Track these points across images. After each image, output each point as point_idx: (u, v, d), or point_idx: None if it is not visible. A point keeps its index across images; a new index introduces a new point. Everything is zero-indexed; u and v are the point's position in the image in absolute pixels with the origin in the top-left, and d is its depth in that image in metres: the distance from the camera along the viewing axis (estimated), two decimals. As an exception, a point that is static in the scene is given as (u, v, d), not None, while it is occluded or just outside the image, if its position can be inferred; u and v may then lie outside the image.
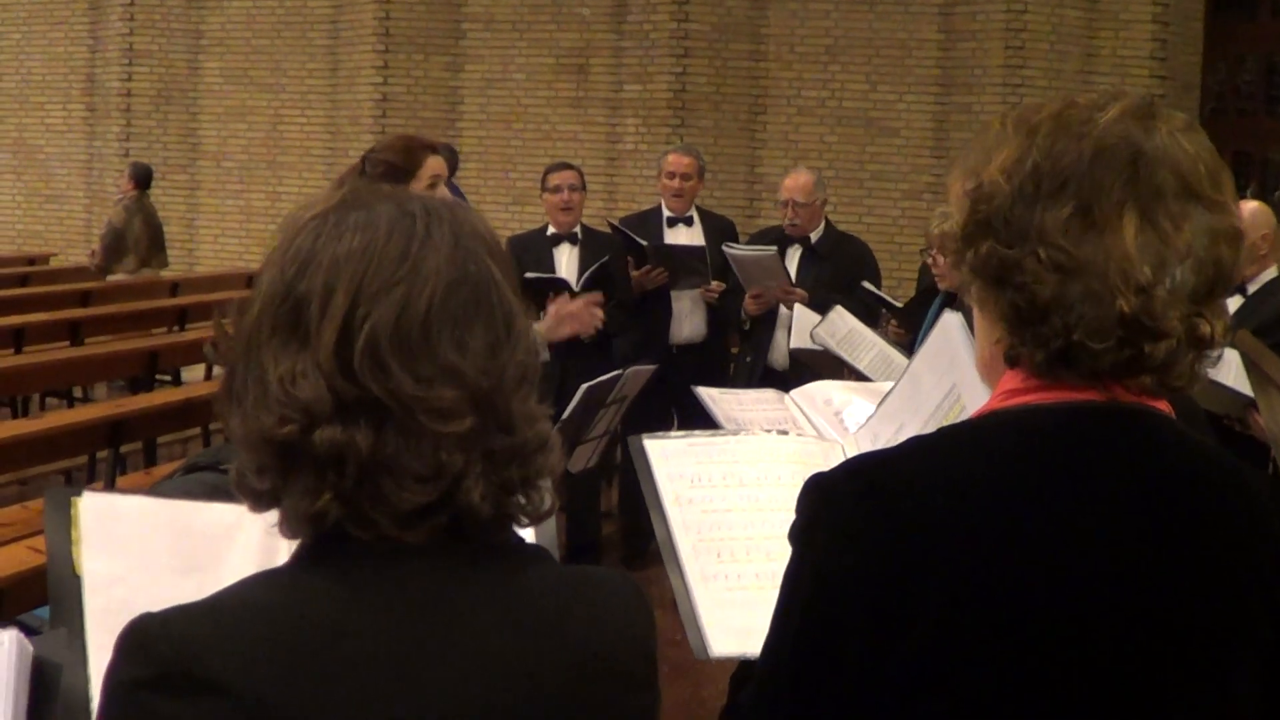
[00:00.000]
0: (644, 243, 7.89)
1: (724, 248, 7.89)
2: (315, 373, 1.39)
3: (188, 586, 2.00)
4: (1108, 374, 1.59)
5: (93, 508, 2.03)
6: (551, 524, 2.03)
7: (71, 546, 1.99)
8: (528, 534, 1.61)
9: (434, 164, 4.11)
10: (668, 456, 2.47)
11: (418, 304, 1.41)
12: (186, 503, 2.16)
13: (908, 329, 6.96)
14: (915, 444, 1.68)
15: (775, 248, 7.80)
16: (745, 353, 8.07)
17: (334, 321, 1.40)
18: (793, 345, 7.14)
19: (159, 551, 2.04)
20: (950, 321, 2.53)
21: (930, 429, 2.31)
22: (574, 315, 5.35)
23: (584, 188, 8.01)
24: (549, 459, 1.50)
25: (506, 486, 1.46)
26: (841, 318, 6.31)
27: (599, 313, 5.60)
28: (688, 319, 8.20)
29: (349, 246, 1.43)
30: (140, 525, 2.06)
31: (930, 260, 6.65)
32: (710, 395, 3.05)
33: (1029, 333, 1.59)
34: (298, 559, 1.47)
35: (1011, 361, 1.64)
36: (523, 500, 1.49)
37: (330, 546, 1.43)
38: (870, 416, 2.63)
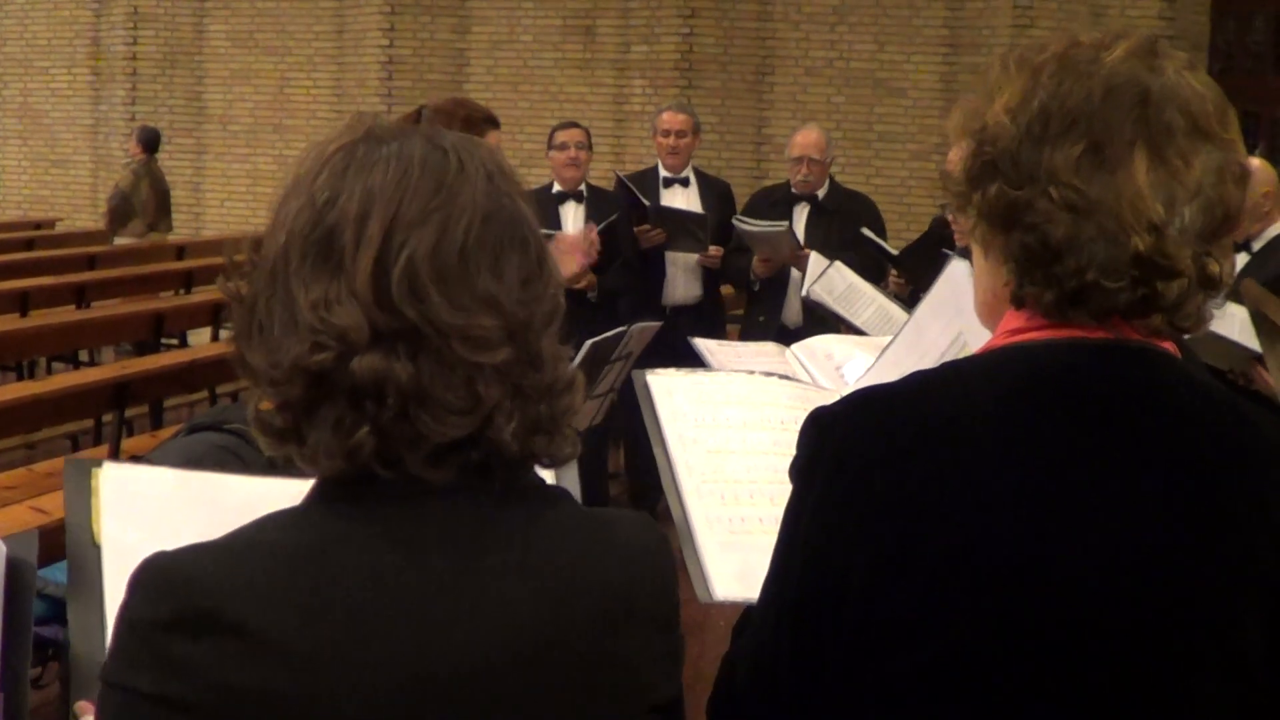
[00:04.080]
0: (647, 203, 7.85)
1: (735, 222, 7.85)
2: (350, 300, 1.36)
3: None
4: (1120, 314, 1.57)
5: (114, 478, 2.00)
6: (574, 470, 2.01)
7: (91, 517, 1.96)
8: (549, 478, 1.59)
9: (494, 139, 4.04)
10: (671, 393, 2.45)
11: (455, 233, 1.39)
12: (212, 475, 2.12)
13: (908, 279, 6.93)
14: (918, 378, 1.66)
15: (786, 224, 7.77)
16: (758, 313, 8.04)
17: (370, 248, 1.37)
18: (804, 293, 7.08)
19: (182, 524, 2.01)
20: (958, 269, 2.51)
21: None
22: (574, 245, 5.20)
23: (590, 147, 7.96)
24: (575, 398, 1.49)
25: (534, 425, 1.44)
26: (840, 273, 6.25)
27: (595, 241, 5.47)
28: (681, 280, 8.14)
29: (382, 176, 1.41)
30: (161, 497, 2.03)
31: (951, 216, 6.61)
32: (708, 347, 3.03)
33: (1040, 273, 1.57)
34: (318, 497, 1.44)
35: (1018, 303, 1.62)
36: (547, 441, 1.46)
37: (351, 486, 1.40)
38: (873, 364, 2.61)
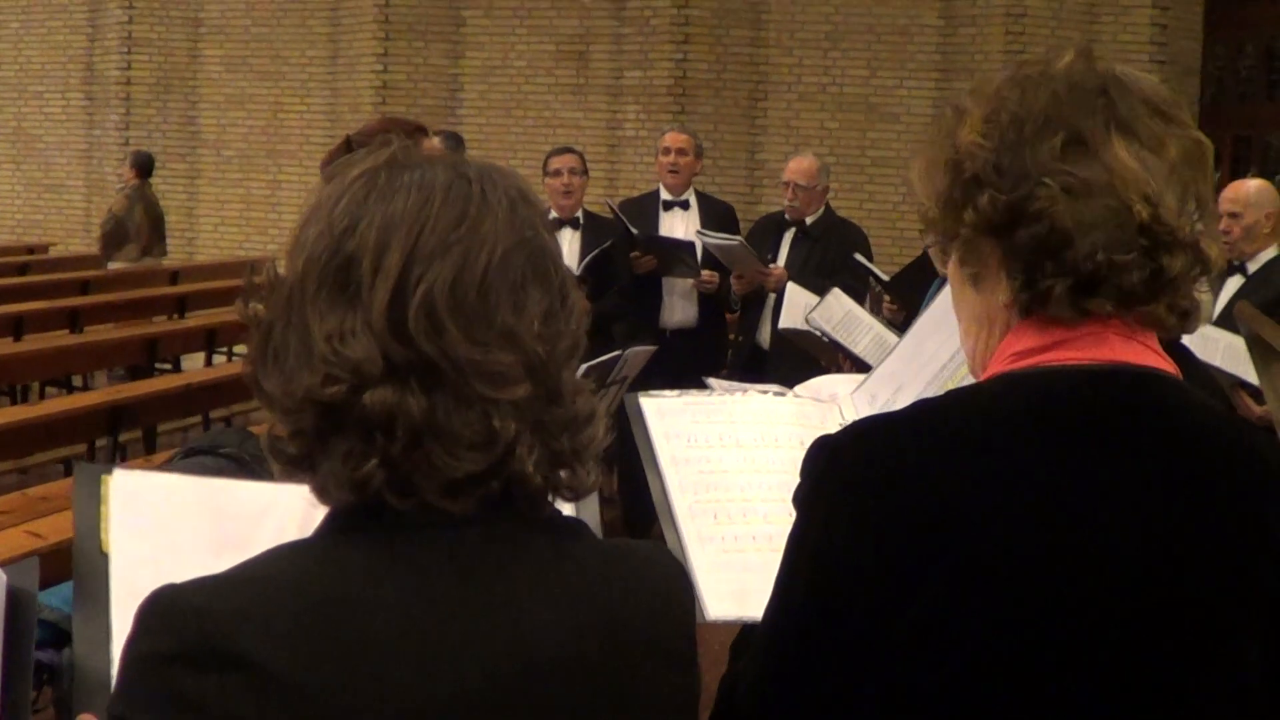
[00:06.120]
0: (635, 231, 7.87)
1: (697, 233, 7.95)
2: (365, 332, 1.34)
3: (219, 567, 1.98)
4: (1133, 295, 1.57)
5: (123, 486, 1.99)
6: (594, 502, 1.99)
7: (100, 524, 1.95)
8: (568, 509, 1.57)
9: (431, 147, 4.03)
10: (664, 415, 2.44)
11: (475, 266, 1.36)
12: (219, 481, 2.11)
13: (901, 304, 6.95)
14: (923, 406, 1.66)
15: (740, 238, 7.96)
16: (739, 333, 8.26)
17: (388, 280, 1.34)
18: (781, 325, 7.16)
19: (190, 531, 1.99)
20: None
21: (931, 392, 2.28)
22: None
23: (585, 172, 7.96)
24: (598, 430, 1.46)
25: (557, 458, 1.42)
26: (838, 301, 6.27)
27: None
28: (679, 305, 8.16)
29: (403, 205, 1.38)
30: (171, 504, 2.02)
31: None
32: (721, 388, 3.05)
33: (1052, 263, 1.57)
34: (330, 528, 1.41)
35: (1026, 311, 1.62)
36: (570, 474, 1.44)
37: (365, 516, 1.38)
38: (868, 376, 2.58)
